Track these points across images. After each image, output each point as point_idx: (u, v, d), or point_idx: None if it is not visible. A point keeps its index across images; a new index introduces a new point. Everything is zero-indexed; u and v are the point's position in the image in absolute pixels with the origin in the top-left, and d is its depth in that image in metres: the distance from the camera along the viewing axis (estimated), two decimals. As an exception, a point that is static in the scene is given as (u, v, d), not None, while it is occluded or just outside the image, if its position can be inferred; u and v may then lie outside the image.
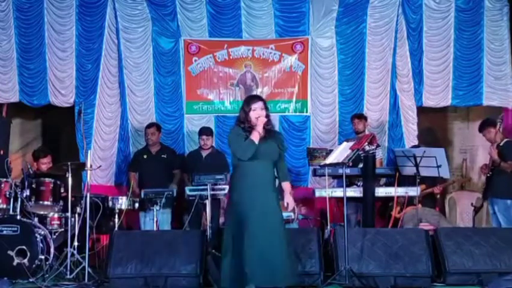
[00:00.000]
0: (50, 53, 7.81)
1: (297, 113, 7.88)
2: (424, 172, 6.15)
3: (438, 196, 7.39)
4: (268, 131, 4.56)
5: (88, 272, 5.26)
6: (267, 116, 4.53)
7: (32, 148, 7.68)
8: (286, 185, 4.71)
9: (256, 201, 4.36)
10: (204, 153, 7.08)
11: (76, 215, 5.72)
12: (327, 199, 6.35)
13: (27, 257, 5.37)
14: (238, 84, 7.90)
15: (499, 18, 7.71)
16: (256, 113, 4.50)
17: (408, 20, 7.76)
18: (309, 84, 7.85)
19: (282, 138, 4.74)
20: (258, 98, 4.74)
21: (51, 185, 5.85)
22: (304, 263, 5.12)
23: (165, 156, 7.05)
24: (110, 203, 6.19)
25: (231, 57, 7.91)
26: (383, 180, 7.13)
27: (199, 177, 6.21)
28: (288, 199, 4.67)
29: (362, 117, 7.16)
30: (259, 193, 4.40)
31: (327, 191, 6.43)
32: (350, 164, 5.65)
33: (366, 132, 7.07)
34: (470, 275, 5.12)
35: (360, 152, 5.89)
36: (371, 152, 6.71)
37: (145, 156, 7.06)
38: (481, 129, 6.52)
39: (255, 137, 4.43)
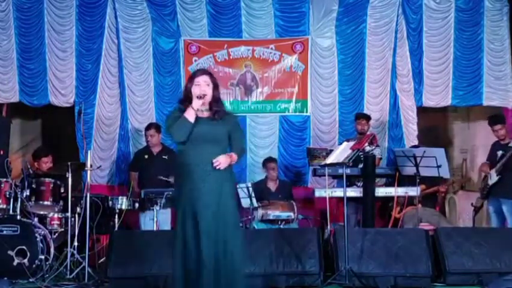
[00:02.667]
0: (50, 53, 7.82)
1: (297, 113, 7.88)
2: (424, 172, 6.14)
3: (443, 195, 7.38)
4: (217, 112, 3.85)
5: (88, 272, 5.26)
6: (215, 95, 3.85)
7: (32, 148, 7.67)
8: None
9: (197, 194, 3.69)
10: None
11: (76, 215, 5.72)
12: (327, 199, 6.35)
13: (27, 257, 5.36)
14: (238, 84, 7.91)
15: (499, 18, 7.71)
16: (199, 88, 3.80)
17: (408, 20, 7.77)
18: (309, 84, 7.86)
19: (235, 121, 3.99)
20: (203, 71, 3.97)
21: (51, 185, 5.84)
22: (304, 263, 5.12)
23: (166, 157, 7.04)
24: (110, 203, 6.19)
25: (231, 57, 7.91)
26: (382, 181, 7.12)
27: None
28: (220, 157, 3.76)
29: (365, 118, 7.15)
30: (201, 184, 3.70)
31: (327, 191, 6.42)
32: (350, 164, 5.65)
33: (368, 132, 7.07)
34: (470, 275, 5.12)
35: (360, 153, 5.89)
36: (370, 152, 6.71)
37: (146, 156, 7.05)
38: (493, 123, 6.44)
39: (189, 114, 3.74)
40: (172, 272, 3.82)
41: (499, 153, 6.36)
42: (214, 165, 3.71)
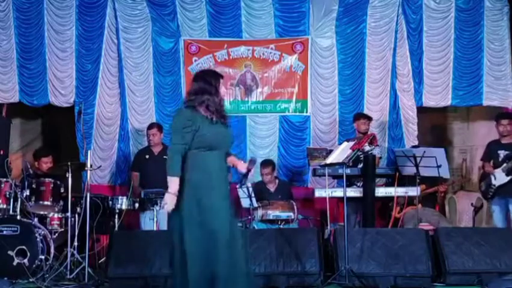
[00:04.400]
0: (50, 53, 7.81)
1: (297, 113, 7.87)
2: (424, 172, 6.14)
3: (442, 195, 7.38)
4: (224, 116, 3.81)
5: (88, 272, 5.27)
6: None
7: (32, 148, 7.67)
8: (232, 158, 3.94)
9: (211, 200, 3.62)
10: (204, 153, 7.06)
11: (76, 215, 5.72)
12: (327, 199, 6.35)
13: (27, 257, 5.37)
14: (238, 84, 7.90)
15: (499, 18, 7.71)
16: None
17: (408, 20, 7.76)
18: (309, 84, 7.85)
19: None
20: (221, 75, 3.91)
21: (51, 185, 5.84)
22: (304, 263, 5.12)
23: (167, 157, 7.03)
24: (110, 203, 6.18)
25: (231, 57, 7.91)
26: (382, 181, 7.12)
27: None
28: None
29: (368, 118, 7.15)
30: (213, 190, 3.65)
31: (327, 191, 6.43)
32: (350, 164, 5.65)
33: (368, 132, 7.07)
34: (470, 275, 5.12)
35: (359, 153, 5.89)
36: (370, 152, 6.71)
37: (147, 157, 7.04)
38: (501, 117, 6.45)
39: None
40: (189, 274, 3.57)
41: (502, 153, 6.29)
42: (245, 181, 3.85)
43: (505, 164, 6.18)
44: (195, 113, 3.72)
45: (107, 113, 7.88)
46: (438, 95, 7.77)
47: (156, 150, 7.06)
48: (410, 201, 6.67)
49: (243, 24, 7.87)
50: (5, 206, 5.67)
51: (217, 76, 3.84)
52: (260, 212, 6.58)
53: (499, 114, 6.63)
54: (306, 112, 7.87)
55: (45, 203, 5.81)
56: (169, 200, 3.63)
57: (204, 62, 7.89)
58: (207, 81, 3.77)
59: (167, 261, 5.08)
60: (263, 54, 7.90)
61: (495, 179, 6.24)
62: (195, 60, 7.89)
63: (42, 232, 5.63)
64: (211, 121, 3.72)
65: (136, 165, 7.18)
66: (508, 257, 5.14)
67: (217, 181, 3.68)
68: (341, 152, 5.37)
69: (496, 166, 6.27)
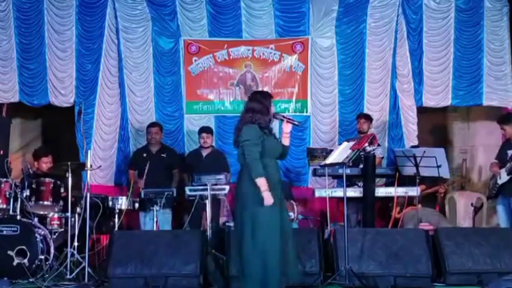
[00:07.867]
0: (50, 53, 7.81)
1: (297, 113, 7.87)
2: (424, 172, 6.14)
3: (442, 195, 7.38)
4: (271, 131, 4.44)
5: (88, 272, 5.27)
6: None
7: (32, 148, 7.66)
8: None
9: (276, 201, 4.21)
10: (204, 153, 7.08)
11: (76, 215, 5.72)
12: (327, 199, 6.35)
13: (27, 257, 5.37)
14: (238, 84, 7.91)
15: (499, 18, 7.72)
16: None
17: (408, 20, 7.77)
18: (309, 84, 7.85)
19: None
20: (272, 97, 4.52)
21: (51, 185, 5.85)
22: (304, 263, 5.12)
23: (165, 155, 7.06)
24: (110, 203, 6.19)
25: (231, 57, 7.91)
26: (382, 181, 7.12)
27: (199, 177, 6.21)
28: None
29: (368, 118, 7.16)
30: (276, 193, 4.20)
31: (327, 191, 6.42)
32: (350, 164, 5.64)
33: (368, 132, 7.07)
34: (470, 275, 5.13)
35: (361, 153, 5.89)
36: (372, 152, 6.70)
37: (144, 155, 7.06)
38: (502, 121, 6.45)
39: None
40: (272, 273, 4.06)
41: (510, 152, 6.29)
42: None
43: (508, 164, 6.20)
44: (258, 128, 4.27)
45: (107, 113, 7.88)
46: (438, 95, 7.78)
47: (154, 149, 7.08)
48: (410, 201, 6.66)
49: (243, 24, 7.87)
50: (5, 206, 5.67)
51: (269, 98, 4.43)
52: (260, 212, 6.57)
53: (498, 119, 6.60)
54: (306, 112, 7.87)
55: (45, 203, 5.81)
56: (269, 197, 4.12)
57: (204, 62, 7.89)
58: (261, 102, 4.33)
59: (167, 261, 5.10)
60: (263, 54, 7.90)
61: (500, 178, 6.27)
62: (195, 60, 7.89)
63: (42, 232, 5.63)
64: (267, 134, 4.31)
65: (134, 163, 7.19)
66: (508, 257, 5.14)
67: (274, 183, 4.20)
68: (340, 152, 5.37)
69: (504, 165, 6.28)
